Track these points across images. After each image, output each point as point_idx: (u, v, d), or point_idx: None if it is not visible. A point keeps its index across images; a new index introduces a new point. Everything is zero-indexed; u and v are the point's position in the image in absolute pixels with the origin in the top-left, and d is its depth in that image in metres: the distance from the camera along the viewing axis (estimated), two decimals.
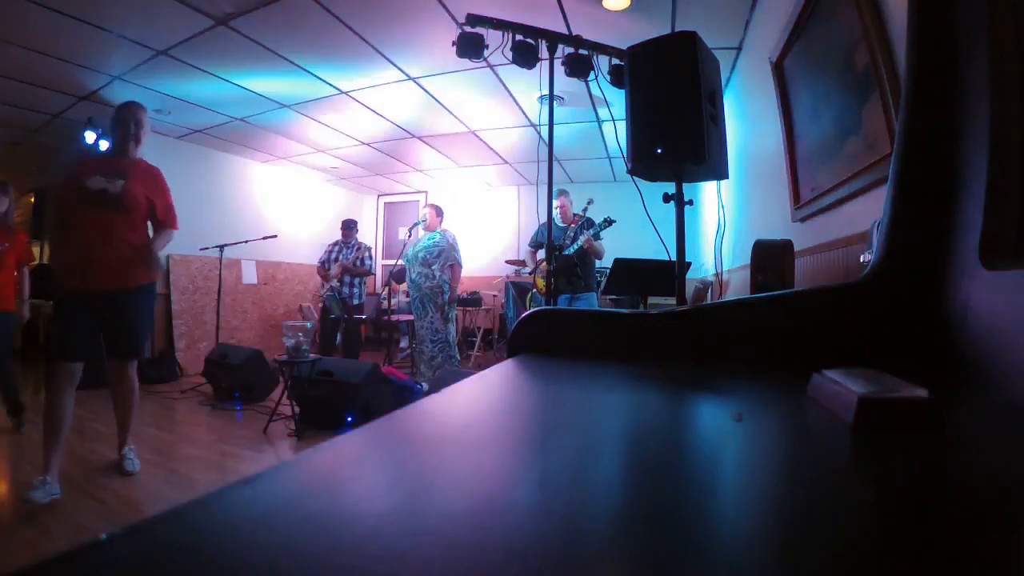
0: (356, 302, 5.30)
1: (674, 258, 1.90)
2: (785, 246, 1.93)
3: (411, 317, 4.75)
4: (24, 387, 3.62)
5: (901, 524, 0.27)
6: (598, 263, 4.10)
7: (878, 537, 0.25)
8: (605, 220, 3.77)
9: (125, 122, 2.37)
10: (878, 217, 0.74)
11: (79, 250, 2.23)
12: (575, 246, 3.82)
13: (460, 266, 4.31)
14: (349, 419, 3.17)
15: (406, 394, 3.53)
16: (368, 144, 5.83)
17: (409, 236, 4.78)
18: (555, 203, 3.63)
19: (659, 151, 1.64)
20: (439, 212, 4.46)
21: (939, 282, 0.60)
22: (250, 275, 6.28)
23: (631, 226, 3.83)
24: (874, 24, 1.46)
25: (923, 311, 0.62)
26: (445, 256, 4.22)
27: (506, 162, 6.46)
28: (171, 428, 3.50)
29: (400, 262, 4.53)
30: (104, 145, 4.27)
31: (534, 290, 4.46)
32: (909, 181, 0.66)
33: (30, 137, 5.03)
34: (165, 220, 2.55)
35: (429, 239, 4.30)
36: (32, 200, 6.45)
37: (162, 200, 2.53)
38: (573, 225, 4.00)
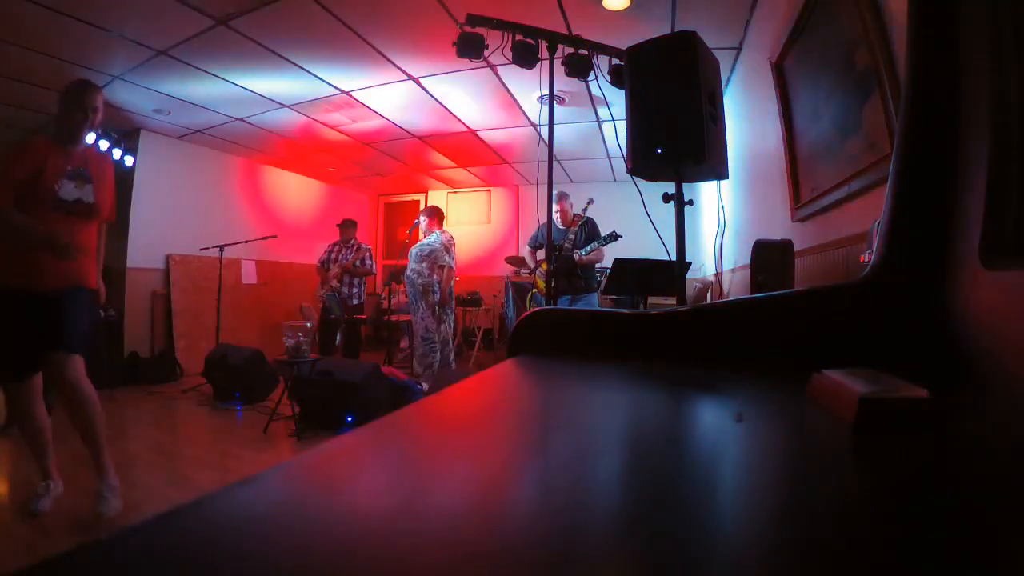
0: (356, 302, 5.30)
1: (674, 258, 1.90)
2: (785, 246, 1.93)
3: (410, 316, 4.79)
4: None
5: (901, 524, 0.27)
6: (598, 264, 4.12)
7: (878, 537, 0.25)
8: (611, 234, 3.82)
9: (83, 107, 2.13)
10: (878, 217, 0.74)
11: (37, 254, 1.97)
12: (584, 250, 3.85)
13: (451, 268, 4.40)
14: (349, 419, 3.17)
15: (406, 394, 3.54)
16: (368, 144, 5.83)
17: (408, 236, 4.84)
18: (555, 207, 3.64)
19: (659, 151, 1.64)
20: (437, 217, 4.58)
21: (939, 282, 0.60)
22: (250, 275, 6.28)
23: (631, 226, 3.84)
24: (874, 24, 1.46)
25: (923, 311, 0.62)
26: (435, 257, 4.33)
27: (506, 162, 6.46)
28: (171, 428, 3.50)
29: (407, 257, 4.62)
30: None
31: (534, 290, 4.48)
32: (909, 181, 0.66)
33: (30, 137, 5.03)
34: (111, 215, 2.32)
35: (427, 239, 4.46)
36: None
37: (112, 195, 2.30)
38: (573, 227, 4.01)
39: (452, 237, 4.53)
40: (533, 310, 0.83)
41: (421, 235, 4.53)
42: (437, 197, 8.09)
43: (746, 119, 3.39)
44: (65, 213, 2.08)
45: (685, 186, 1.82)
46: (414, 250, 4.43)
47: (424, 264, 4.32)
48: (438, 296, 4.28)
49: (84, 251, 2.16)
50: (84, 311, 2.17)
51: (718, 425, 0.49)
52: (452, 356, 4.46)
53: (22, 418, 2.10)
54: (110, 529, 2.11)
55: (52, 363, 2.00)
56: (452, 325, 4.50)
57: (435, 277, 4.30)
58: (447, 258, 4.36)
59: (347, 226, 5.45)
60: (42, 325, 2.02)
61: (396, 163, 6.67)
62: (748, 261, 2.02)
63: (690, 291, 4.70)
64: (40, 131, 4.88)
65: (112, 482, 2.11)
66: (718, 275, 4.28)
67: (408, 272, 4.40)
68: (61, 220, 2.06)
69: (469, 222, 7.86)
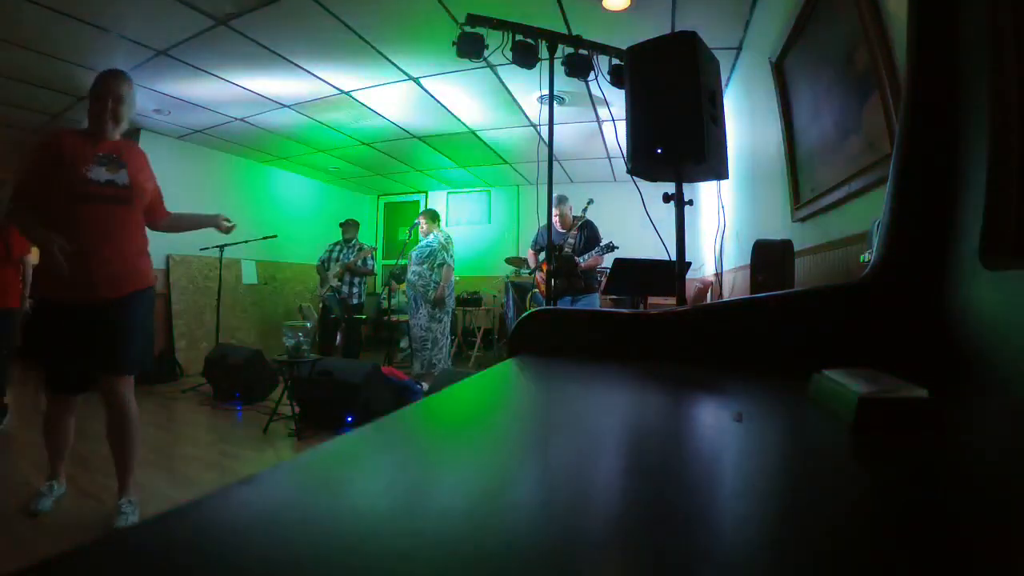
0: (356, 302, 5.31)
1: (674, 258, 1.90)
2: (785, 246, 1.93)
3: None
4: (13, 388, 3.51)
5: (901, 524, 0.27)
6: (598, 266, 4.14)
7: (878, 537, 0.25)
8: (607, 244, 3.86)
9: (101, 96, 2.04)
10: (878, 217, 0.74)
11: (80, 254, 1.89)
12: (583, 258, 3.87)
13: (450, 267, 4.46)
14: (349, 419, 3.17)
15: (406, 394, 3.54)
16: (368, 144, 5.83)
17: (409, 236, 4.89)
18: (554, 211, 3.65)
19: (659, 151, 1.64)
20: (433, 218, 4.66)
21: (939, 282, 0.60)
22: (250, 275, 6.28)
23: (631, 226, 3.84)
24: (874, 24, 1.46)
25: (923, 311, 0.62)
26: (434, 257, 4.41)
27: (506, 162, 6.46)
28: (171, 428, 3.50)
29: (405, 259, 4.69)
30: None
31: (535, 290, 4.49)
32: (909, 181, 0.66)
33: (30, 137, 5.03)
34: (162, 208, 2.30)
35: (425, 241, 4.53)
36: None
37: (155, 185, 2.24)
38: (573, 231, 4.02)
39: (449, 236, 4.61)
40: (533, 310, 0.83)
41: (421, 236, 4.60)
42: (437, 197, 8.08)
43: (746, 119, 3.39)
44: (97, 200, 1.97)
45: (685, 186, 1.82)
46: (413, 253, 4.52)
47: (424, 266, 4.40)
48: (435, 294, 4.35)
49: (139, 248, 2.10)
50: (140, 318, 2.08)
51: (718, 425, 0.49)
52: (446, 351, 4.51)
53: (54, 423, 2.07)
54: (110, 529, 2.11)
55: (105, 382, 2.03)
56: (448, 324, 4.56)
57: (435, 276, 4.37)
58: (446, 256, 4.44)
59: (349, 226, 5.46)
60: (97, 339, 1.97)
61: (396, 163, 6.67)
62: (748, 261, 2.02)
63: (690, 291, 4.71)
64: (40, 131, 4.88)
65: (134, 499, 2.07)
66: (718, 275, 4.28)
67: (408, 275, 4.49)
68: (94, 209, 1.96)
69: (469, 222, 7.86)
